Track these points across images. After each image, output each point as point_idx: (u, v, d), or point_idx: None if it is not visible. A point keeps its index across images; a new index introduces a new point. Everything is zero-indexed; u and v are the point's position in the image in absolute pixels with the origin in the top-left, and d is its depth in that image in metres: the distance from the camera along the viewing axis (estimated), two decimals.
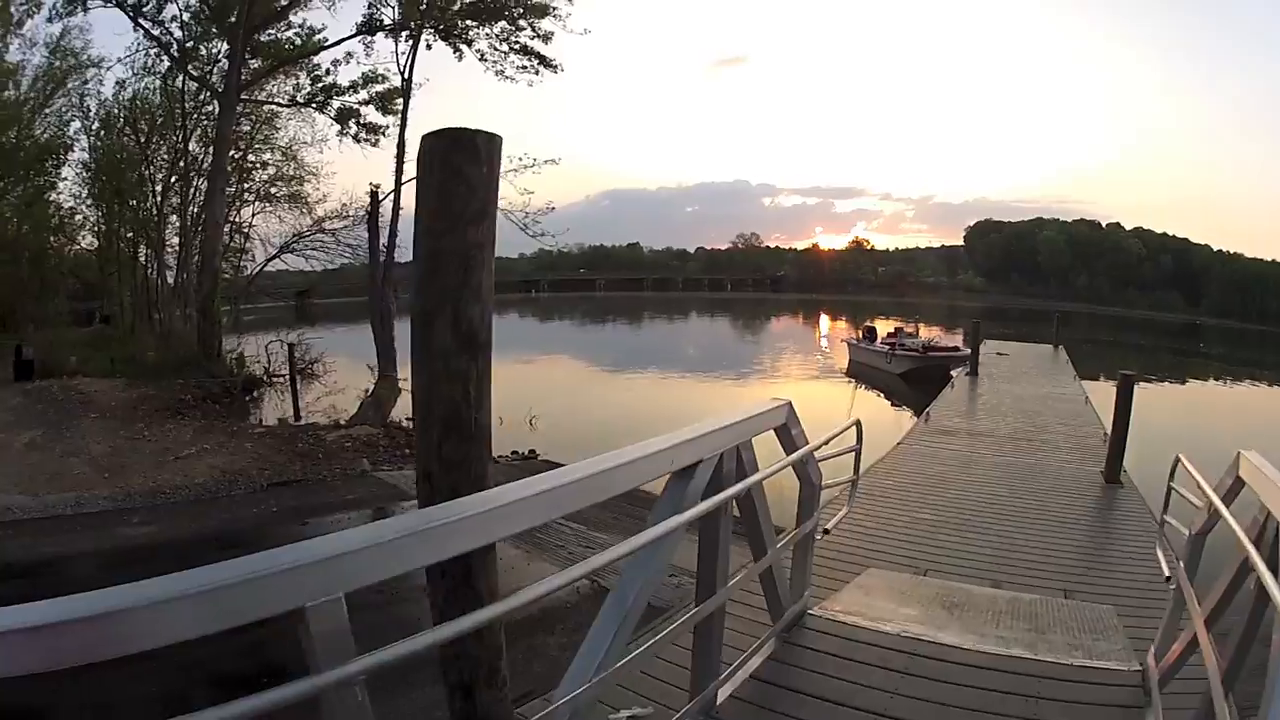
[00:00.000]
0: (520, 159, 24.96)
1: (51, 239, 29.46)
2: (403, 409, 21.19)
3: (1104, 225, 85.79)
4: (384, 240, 24.42)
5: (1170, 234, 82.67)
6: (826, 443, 5.50)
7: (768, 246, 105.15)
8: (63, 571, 9.96)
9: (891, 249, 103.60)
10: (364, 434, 17.61)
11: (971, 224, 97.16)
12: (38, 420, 17.71)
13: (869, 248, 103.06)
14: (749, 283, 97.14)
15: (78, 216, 30.77)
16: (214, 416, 19.69)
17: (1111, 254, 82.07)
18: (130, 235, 30.85)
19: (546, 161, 25.71)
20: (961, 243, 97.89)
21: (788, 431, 4.97)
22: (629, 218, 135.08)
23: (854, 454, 6.19)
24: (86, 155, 29.93)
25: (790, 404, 4.94)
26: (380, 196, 24.30)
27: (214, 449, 16.34)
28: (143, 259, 30.62)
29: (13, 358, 21.30)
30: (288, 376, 24.15)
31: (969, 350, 25.49)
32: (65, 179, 29.57)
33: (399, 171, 24.14)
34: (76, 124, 29.65)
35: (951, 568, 7.47)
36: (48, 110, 29.07)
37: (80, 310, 30.22)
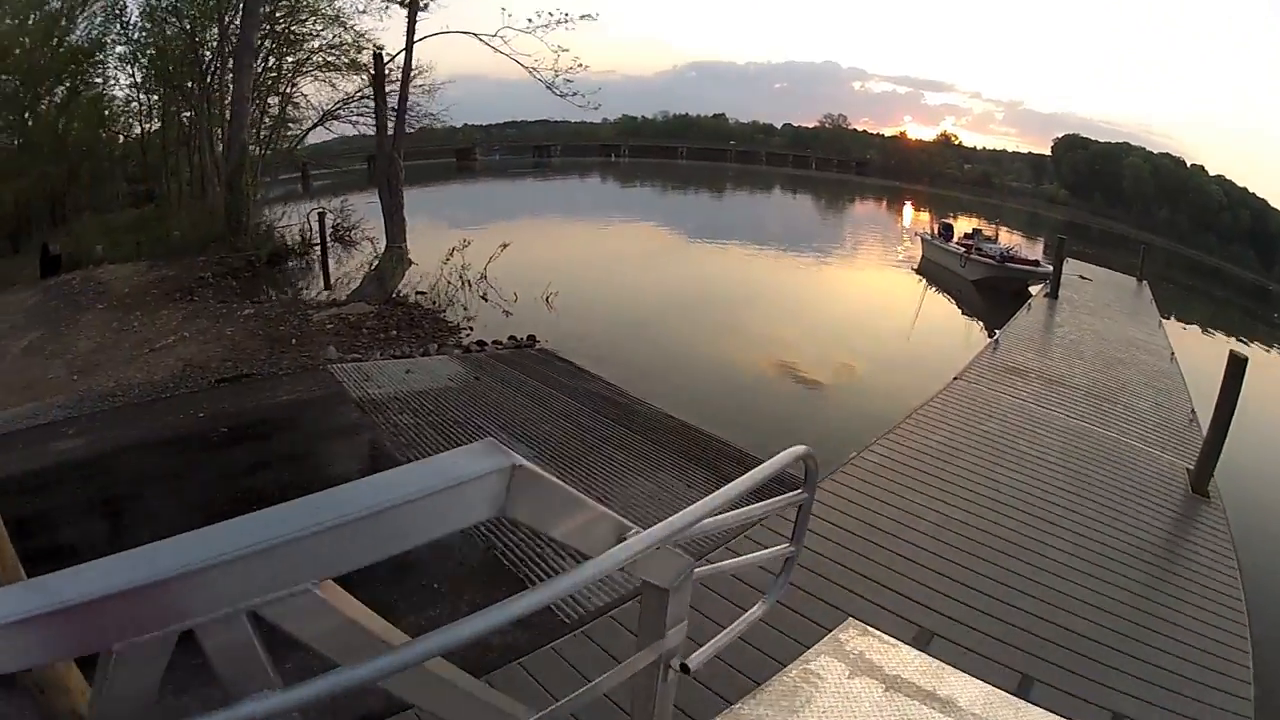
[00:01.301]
0: (550, 14, 22.22)
1: (102, 130, 27.51)
2: (410, 282, 19.33)
3: (1188, 165, 76.41)
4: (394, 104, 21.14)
5: (1251, 191, 72.60)
6: (712, 515, 2.41)
7: (854, 129, 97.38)
8: None
9: (978, 148, 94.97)
10: (355, 313, 15.52)
11: (1059, 136, 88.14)
12: (44, 320, 16.57)
13: (956, 143, 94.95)
14: (834, 163, 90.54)
15: (133, 104, 29.02)
16: (226, 294, 18.09)
17: (1193, 194, 73.06)
18: (188, 115, 28.55)
19: (582, 17, 22.97)
20: (1048, 152, 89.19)
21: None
22: (716, 90, 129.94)
23: (797, 509, 3.08)
24: (126, 50, 27.92)
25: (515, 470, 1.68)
26: (386, 58, 21.00)
27: (193, 336, 15.01)
28: (196, 139, 28.32)
29: (39, 254, 20.02)
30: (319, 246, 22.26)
31: (1050, 268, 21.81)
32: (111, 71, 27.90)
33: (410, 30, 21.12)
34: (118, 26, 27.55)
35: (967, 632, 5.05)
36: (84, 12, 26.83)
37: (138, 191, 28.33)
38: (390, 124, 21.47)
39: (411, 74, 21.72)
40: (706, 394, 13.33)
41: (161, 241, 21.38)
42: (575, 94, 22.77)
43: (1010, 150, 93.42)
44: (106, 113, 28.26)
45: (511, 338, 15.06)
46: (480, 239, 21.30)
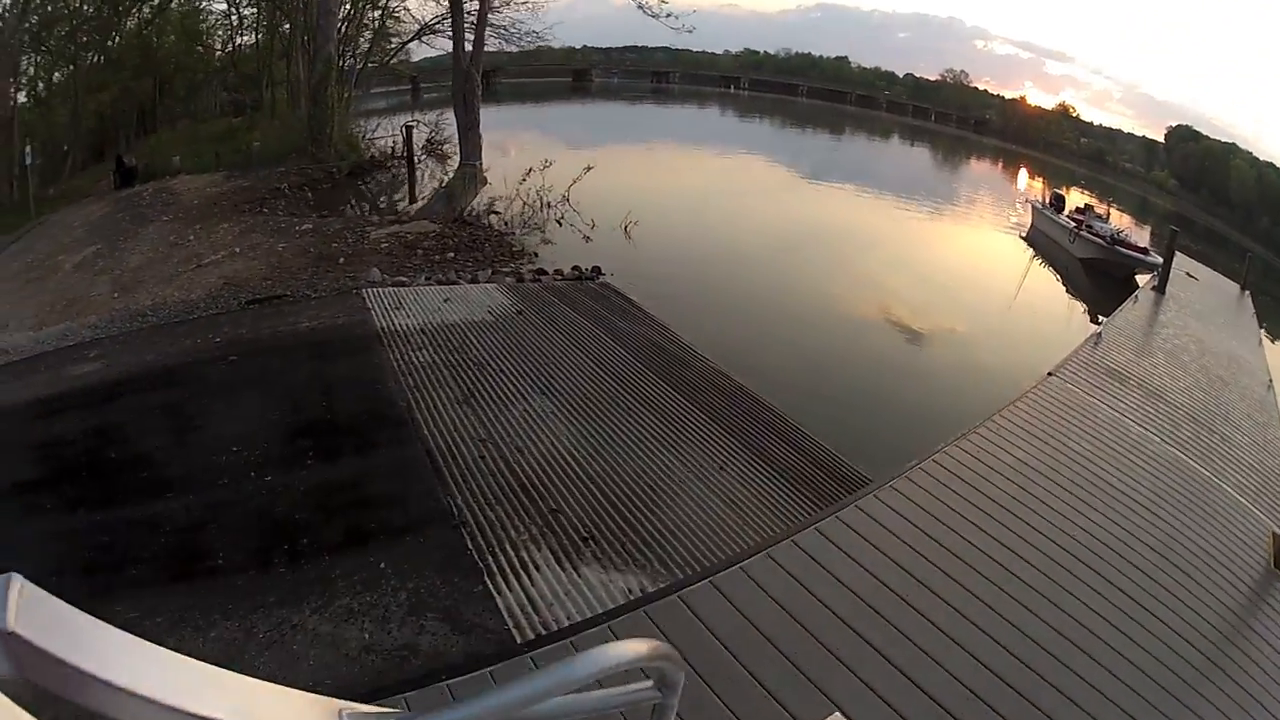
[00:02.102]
0: None
1: (198, 44, 27.80)
2: (488, 200, 18.60)
3: None
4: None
5: None
6: None
7: (974, 88, 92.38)
8: None
9: (1095, 124, 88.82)
10: (415, 231, 14.76)
11: (1173, 125, 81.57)
12: (105, 234, 16.42)
13: (1074, 115, 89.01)
14: (953, 118, 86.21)
15: (231, 18, 28.87)
16: (299, 207, 17.82)
17: None
18: (287, 27, 28.23)
19: None
20: (1162, 139, 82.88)
21: None
22: (839, 33, 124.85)
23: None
24: None
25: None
26: None
27: (244, 252, 14.44)
28: (294, 51, 28.07)
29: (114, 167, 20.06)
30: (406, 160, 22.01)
31: (1159, 258, 19.65)
32: None
33: None
34: None
35: None
36: None
37: (238, 102, 28.15)
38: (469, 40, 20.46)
39: None
40: (777, 354, 11.93)
41: (242, 152, 21.03)
42: (669, 15, 21.41)
43: (1125, 130, 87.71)
44: (203, 25, 28.21)
45: (575, 268, 13.70)
46: (576, 160, 20.05)
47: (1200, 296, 19.41)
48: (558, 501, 6.49)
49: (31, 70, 22.93)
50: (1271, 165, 71.99)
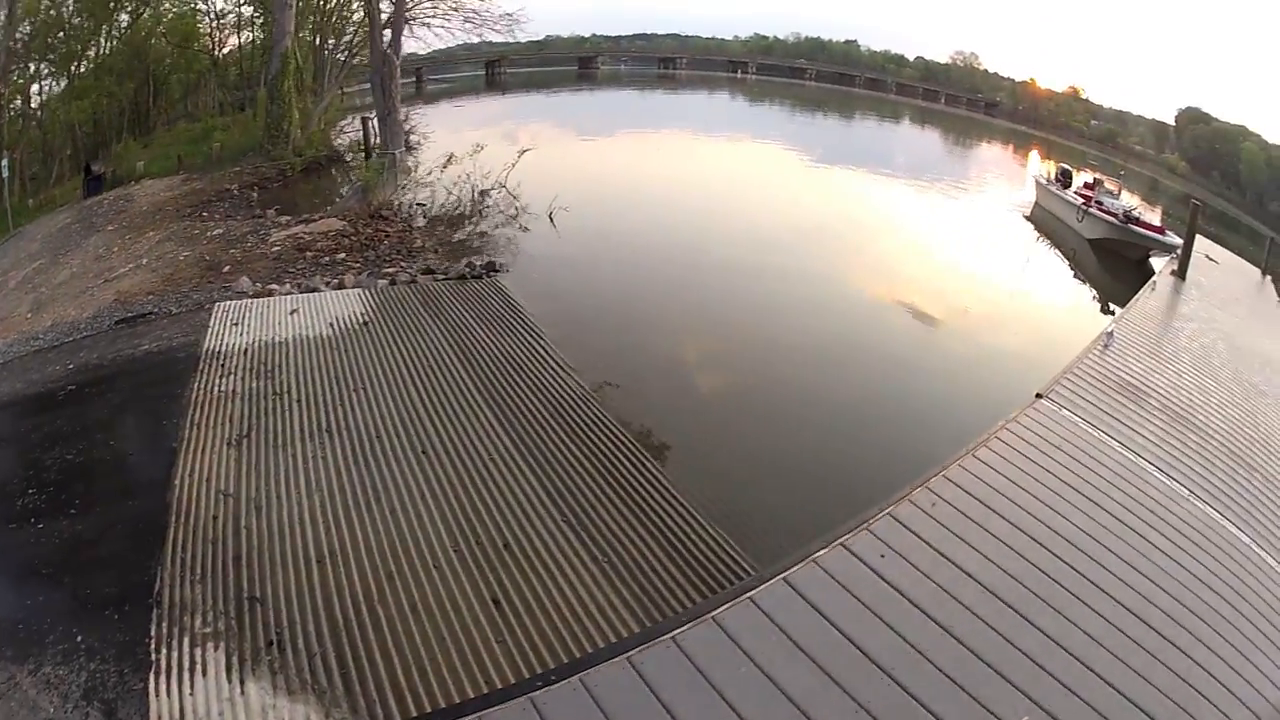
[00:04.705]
0: None
1: (194, 43, 28.58)
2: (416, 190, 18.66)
3: None
4: None
5: None
6: None
7: (985, 70, 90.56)
8: None
9: (1104, 106, 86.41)
10: (316, 231, 15.20)
11: (1183, 107, 78.50)
12: (55, 246, 16.95)
13: (1083, 97, 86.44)
14: (963, 101, 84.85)
15: (229, 16, 29.65)
16: (241, 208, 18.02)
17: None
18: None
19: None
20: (1172, 122, 79.99)
21: None
22: (848, 13, 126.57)
23: None
24: None
25: None
26: None
27: (149, 264, 14.60)
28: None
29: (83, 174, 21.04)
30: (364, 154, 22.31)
31: (1177, 240, 18.40)
32: None
33: None
34: None
35: None
36: None
37: (237, 99, 28.59)
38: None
39: None
40: (694, 380, 10.49)
41: (205, 154, 21.39)
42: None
43: (1134, 113, 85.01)
44: (197, 25, 28.75)
45: (469, 264, 13.44)
46: (578, 147, 19.85)
47: (1223, 282, 18.18)
48: (264, 585, 5.80)
49: (19, 80, 23.42)
50: None
